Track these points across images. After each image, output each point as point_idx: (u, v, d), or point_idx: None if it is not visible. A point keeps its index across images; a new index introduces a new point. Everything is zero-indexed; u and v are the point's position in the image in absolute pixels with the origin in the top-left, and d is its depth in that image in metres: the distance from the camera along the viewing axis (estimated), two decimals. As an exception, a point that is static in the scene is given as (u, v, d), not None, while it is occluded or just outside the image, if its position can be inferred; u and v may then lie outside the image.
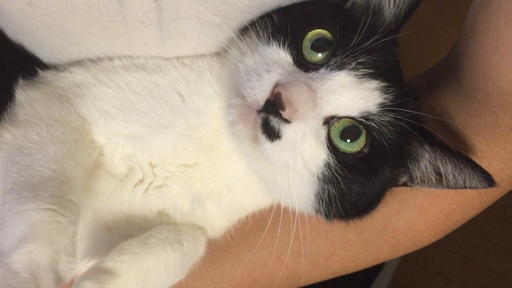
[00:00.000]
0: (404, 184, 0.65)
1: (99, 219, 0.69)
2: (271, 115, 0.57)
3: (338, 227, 0.68)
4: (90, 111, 0.66)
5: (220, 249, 0.74)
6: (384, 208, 0.66)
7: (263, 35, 0.62)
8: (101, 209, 0.69)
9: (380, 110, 0.59)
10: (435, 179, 0.63)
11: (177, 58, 0.68)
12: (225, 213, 0.72)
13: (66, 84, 0.68)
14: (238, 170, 0.68)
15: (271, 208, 0.71)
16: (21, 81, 0.68)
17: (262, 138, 0.59)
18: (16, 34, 0.68)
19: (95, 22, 0.62)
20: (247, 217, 0.74)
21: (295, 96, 0.56)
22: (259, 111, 0.58)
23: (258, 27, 0.63)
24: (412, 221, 0.70)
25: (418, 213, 0.70)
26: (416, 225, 0.71)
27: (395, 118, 0.59)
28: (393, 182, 0.64)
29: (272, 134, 0.58)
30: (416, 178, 0.63)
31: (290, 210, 0.65)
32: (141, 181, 0.68)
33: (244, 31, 0.65)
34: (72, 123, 0.65)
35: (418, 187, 0.65)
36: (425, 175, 0.63)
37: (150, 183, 0.68)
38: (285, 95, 0.56)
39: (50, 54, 0.69)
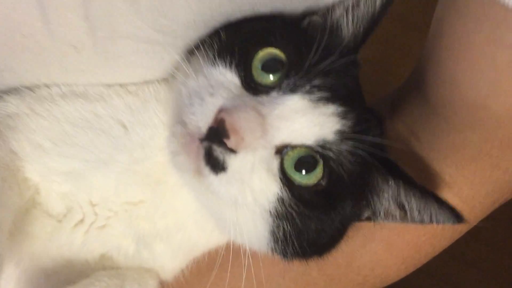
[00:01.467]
0: (368, 219, 0.60)
1: (37, 264, 0.63)
2: (214, 144, 0.52)
3: (299, 265, 0.63)
4: (22, 145, 0.60)
5: None
6: (348, 242, 0.61)
7: (209, 54, 0.57)
8: (39, 254, 0.63)
9: (338, 138, 0.54)
10: (400, 214, 0.58)
11: (121, 85, 0.63)
12: (176, 253, 0.66)
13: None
14: (189, 206, 0.62)
15: (228, 245, 0.65)
16: None
17: (206, 170, 0.53)
18: None
19: (21, 49, 0.57)
20: (203, 255, 0.67)
21: (241, 122, 0.51)
22: (201, 140, 0.53)
23: (205, 46, 0.58)
24: (378, 256, 0.65)
25: (385, 247, 0.64)
26: (383, 260, 0.65)
27: (354, 146, 0.54)
28: (356, 217, 0.59)
29: (216, 165, 0.53)
30: (379, 213, 0.59)
31: (246, 248, 0.60)
32: (81, 221, 0.63)
33: (192, 52, 0.60)
34: (1, 159, 0.59)
35: (382, 222, 0.59)
36: (389, 210, 0.58)
37: (91, 224, 0.63)
38: (229, 122, 0.51)
39: None
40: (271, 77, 0.55)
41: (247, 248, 0.60)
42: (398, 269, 0.66)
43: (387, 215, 0.58)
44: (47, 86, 0.62)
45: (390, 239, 0.64)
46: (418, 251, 0.65)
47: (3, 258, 0.53)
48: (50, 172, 0.61)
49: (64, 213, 0.62)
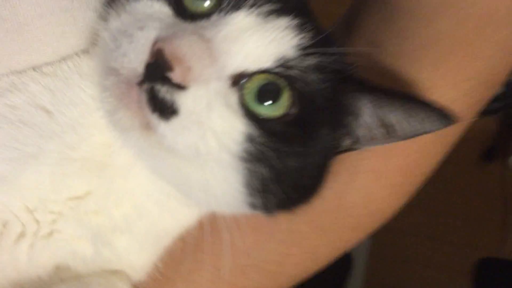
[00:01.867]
0: (350, 149, 0.53)
1: None
2: (157, 83, 0.43)
3: (285, 221, 0.55)
4: None
5: None
6: (332, 182, 0.53)
7: None
8: None
9: (300, 53, 0.47)
10: (383, 133, 0.51)
11: (34, 69, 0.53)
12: (142, 245, 0.57)
13: None
14: (145, 185, 0.53)
15: (201, 222, 0.57)
16: None
17: (154, 118, 0.44)
18: None
19: None
20: (174, 241, 0.58)
21: (184, 48, 0.43)
22: (140, 83, 0.44)
23: None
24: (368, 190, 0.58)
25: (373, 178, 0.58)
26: (374, 193, 0.58)
27: (320, 61, 0.47)
28: (335, 148, 0.52)
29: (164, 109, 0.44)
30: (361, 137, 0.51)
31: (221, 217, 0.52)
32: (22, 234, 0.53)
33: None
34: None
35: (365, 147, 0.52)
36: (371, 130, 0.51)
37: (35, 234, 0.53)
38: (169, 50, 0.42)
39: None
40: (207, 2, 0.47)
41: (223, 216, 0.52)
42: (392, 199, 0.59)
43: (370, 138, 0.51)
44: None
45: (377, 168, 0.57)
46: (408, 175, 0.59)
47: None
48: None
49: None
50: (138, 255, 0.57)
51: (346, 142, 0.52)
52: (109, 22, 0.48)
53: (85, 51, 0.54)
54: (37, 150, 0.51)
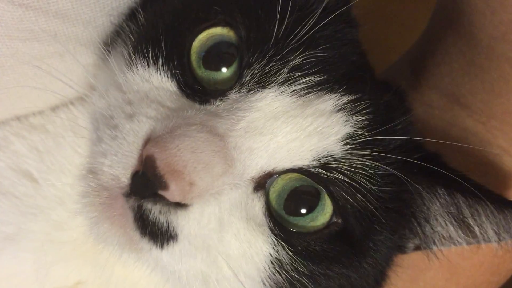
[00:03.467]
0: (417, 249, 0.40)
1: None
2: (147, 201, 0.32)
3: None
4: None
5: None
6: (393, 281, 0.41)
7: (124, 52, 0.38)
8: None
9: (350, 148, 0.34)
10: (464, 235, 0.38)
11: (19, 119, 0.45)
12: None
13: None
14: (148, 276, 0.41)
15: None
16: None
17: (142, 242, 0.34)
18: None
19: None
20: None
21: (184, 156, 0.31)
22: (126, 196, 0.33)
23: (122, 38, 0.39)
24: None
25: (447, 275, 0.44)
26: None
27: (377, 156, 0.34)
28: (398, 252, 0.39)
29: (157, 234, 0.33)
30: (433, 239, 0.39)
31: None
32: None
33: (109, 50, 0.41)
34: None
35: (437, 248, 0.40)
36: (446, 233, 0.38)
37: None
38: (163, 160, 0.31)
39: None
40: (224, 70, 0.36)
41: None
42: None
43: (445, 240, 0.39)
44: None
45: (451, 264, 0.43)
46: (496, 272, 0.45)
47: None
48: None
49: None
50: None
51: (413, 243, 0.39)
52: (96, 98, 0.37)
53: (81, 100, 0.44)
54: (16, 230, 0.42)
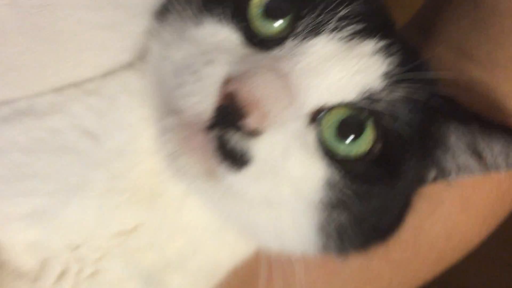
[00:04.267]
0: (435, 179, 0.46)
1: None
2: (228, 131, 0.38)
3: (355, 257, 0.49)
4: None
5: None
6: (411, 215, 0.47)
7: (188, 11, 0.43)
8: None
9: (388, 83, 0.40)
10: (477, 164, 0.45)
11: (75, 86, 0.48)
12: (196, 281, 0.51)
13: None
14: (201, 218, 0.48)
15: (258, 255, 0.51)
16: None
17: (222, 168, 0.39)
18: None
19: None
20: (227, 276, 0.53)
21: (260, 91, 0.37)
22: (208, 128, 0.38)
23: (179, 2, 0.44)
24: (453, 220, 0.52)
25: (459, 207, 0.50)
26: (459, 224, 0.52)
27: (410, 90, 0.40)
28: (420, 181, 0.46)
29: (235, 159, 0.39)
30: (450, 169, 0.45)
31: (284, 254, 0.47)
32: (63, 274, 0.47)
33: (163, 13, 0.46)
34: None
35: (453, 178, 0.46)
36: (462, 163, 0.45)
37: (77, 274, 0.47)
38: (243, 94, 0.37)
39: None
40: (279, 22, 0.41)
41: (287, 253, 0.46)
42: (479, 230, 0.53)
43: (460, 169, 0.45)
44: None
45: (464, 196, 0.50)
46: (502, 201, 0.52)
47: None
48: (8, 220, 0.46)
49: (38, 268, 0.47)
50: None
51: (432, 174, 0.46)
52: (169, 50, 0.42)
53: (131, 66, 0.49)
54: (81, 182, 0.46)
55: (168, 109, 0.40)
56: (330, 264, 0.51)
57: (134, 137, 0.47)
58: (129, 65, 0.49)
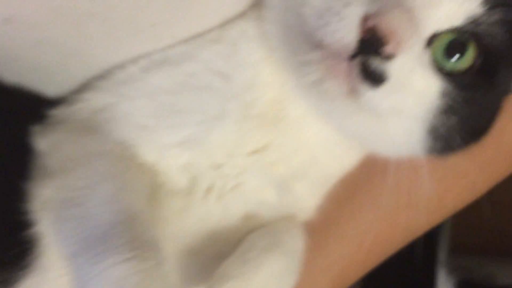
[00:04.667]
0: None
1: (178, 247, 0.58)
2: (369, 57, 0.47)
3: (446, 160, 0.58)
4: (126, 132, 0.55)
5: (317, 232, 0.63)
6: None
7: None
8: (176, 236, 0.58)
9: (487, 8, 0.48)
10: None
11: (200, 36, 0.57)
12: (315, 189, 0.61)
13: (86, 114, 0.57)
14: (318, 134, 0.58)
15: (359, 166, 0.62)
16: (36, 128, 0.58)
17: (363, 86, 0.48)
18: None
19: (88, 17, 0.50)
20: (334, 186, 0.63)
21: (395, 24, 0.46)
22: (351, 57, 0.47)
23: None
24: None
25: None
26: None
27: (505, 13, 0.48)
28: (509, 90, 0.54)
29: (375, 79, 0.48)
30: None
31: (386, 159, 0.56)
32: (210, 188, 0.58)
33: None
34: (112, 152, 0.54)
35: None
36: None
37: (222, 187, 0.58)
38: (383, 27, 0.45)
39: (49, 79, 0.58)
40: None
41: (390, 157, 0.56)
42: None
43: None
44: (121, 67, 0.57)
45: None
46: None
47: (160, 244, 0.48)
48: (164, 148, 0.56)
49: (188, 185, 0.57)
50: (310, 198, 0.61)
51: None
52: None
53: (245, 14, 0.57)
54: (220, 111, 0.55)
55: (310, 45, 0.49)
56: (423, 167, 0.60)
57: (258, 73, 0.56)
58: (243, 14, 0.57)
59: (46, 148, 0.56)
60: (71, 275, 0.47)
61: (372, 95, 0.48)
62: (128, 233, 0.46)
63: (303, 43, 0.50)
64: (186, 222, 0.58)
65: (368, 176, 0.62)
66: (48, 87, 0.59)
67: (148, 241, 0.46)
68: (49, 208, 0.52)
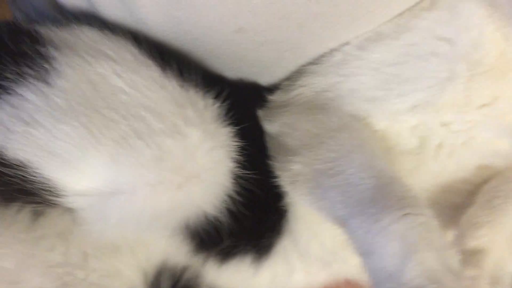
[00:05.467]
0: None
1: None
2: None
3: None
4: (357, 106, 0.60)
5: None
6: None
7: None
8: None
9: None
10: None
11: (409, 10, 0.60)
12: None
13: (309, 97, 0.63)
14: None
15: None
16: (260, 113, 0.65)
17: None
18: (225, 66, 0.63)
19: (313, 18, 0.56)
20: None
21: None
22: None
23: None
24: None
25: None
26: None
27: None
28: None
29: None
30: None
31: None
32: (440, 145, 0.61)
33: None
34: (350, 125, 0.59)
35: None
36: None
37: (452, 144, 0.60)
38: None
39: (264, 72, 0.65)
40: None
41: None
42: None
43: None
44: (335, 50, 0.61)
45: None
46: None
47: (422, 200, 0.51)
48: (394, 115, 0.59)
49: (420, 145, 0.61)
50: None
51: None
52: None
53: None
54: (450, 74, 0.57)
55: None
56: None
57: (482, 32, 0.57)
58: None
59: (279, 130, 0.62)
60: (347, 235, 0.52)
61: None
62: (394, 194, 0.50)
63: None
64: (418, 180, 0.61)
65: None
66: (262, 78, 0.66)
67: (413, 198, 0.50)
68: (301, 180, 0.58)
